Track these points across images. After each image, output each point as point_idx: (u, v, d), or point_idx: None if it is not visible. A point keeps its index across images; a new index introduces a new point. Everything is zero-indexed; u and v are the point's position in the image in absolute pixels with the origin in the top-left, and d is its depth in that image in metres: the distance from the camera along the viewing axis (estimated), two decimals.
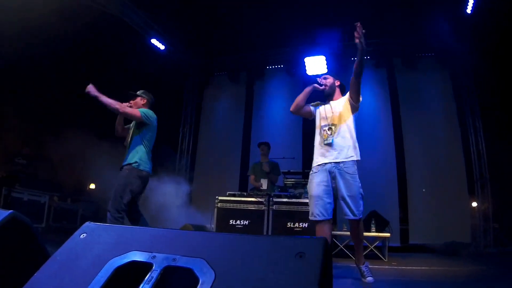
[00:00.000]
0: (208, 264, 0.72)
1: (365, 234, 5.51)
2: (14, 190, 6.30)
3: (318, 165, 3.31)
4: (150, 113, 3.97)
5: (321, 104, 3.58)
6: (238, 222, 5.40)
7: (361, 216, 3.17)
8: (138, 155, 3.80)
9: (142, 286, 0.75)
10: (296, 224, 5.13)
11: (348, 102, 3.37)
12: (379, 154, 8.10)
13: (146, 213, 6.58)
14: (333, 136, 3.30)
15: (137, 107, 4.00)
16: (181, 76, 10.35)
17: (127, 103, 3.95)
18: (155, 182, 6.99)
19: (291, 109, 3.56)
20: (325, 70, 9.04)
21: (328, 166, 3.25)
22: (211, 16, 8.69)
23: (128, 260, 0.84)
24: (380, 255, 5.31)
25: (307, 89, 3.51)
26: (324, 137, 3.34)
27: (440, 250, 6.50)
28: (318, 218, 3.15)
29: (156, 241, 0.87)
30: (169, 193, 7.12)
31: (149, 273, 0.78)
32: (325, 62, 8.92)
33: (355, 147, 3.28)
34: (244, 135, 9.63)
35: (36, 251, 1.37)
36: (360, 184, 3.20)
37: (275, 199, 5.39)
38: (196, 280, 0.71)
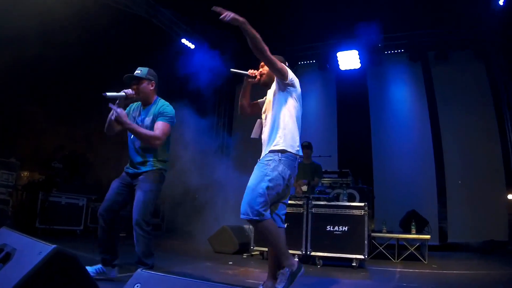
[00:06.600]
0: None
1: (405, 236, 5.62)
2: (51, 195, 6.33)
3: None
4: (173, 110, 3.14)
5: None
6: None
7: (253, 217, 2.52)
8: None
9: None
10: (336, 228, 5.01)
11: (277, 83, 2.92)
12: (417, 149, 8.15)
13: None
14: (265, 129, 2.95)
15: (145, 94, 3.08)
16: (214, 75, 10.54)
17: (129, 89, 3.00)
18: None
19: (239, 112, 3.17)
20: (358, 65, 8.99)
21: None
22: (239, 13, 8.70)
23: None
24: (420, 257, 5.34)
25: (244, 85, 3.09)
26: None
27: (478, 249, 6.58)
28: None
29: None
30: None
31: None
32: (358, 56, 8.88)
33: (281, 136, 2.80)
34: None
35: (84, 282, 1.45)
36: (267, 175, 2.62)
37: (314, 202, 5.23)
38: None
